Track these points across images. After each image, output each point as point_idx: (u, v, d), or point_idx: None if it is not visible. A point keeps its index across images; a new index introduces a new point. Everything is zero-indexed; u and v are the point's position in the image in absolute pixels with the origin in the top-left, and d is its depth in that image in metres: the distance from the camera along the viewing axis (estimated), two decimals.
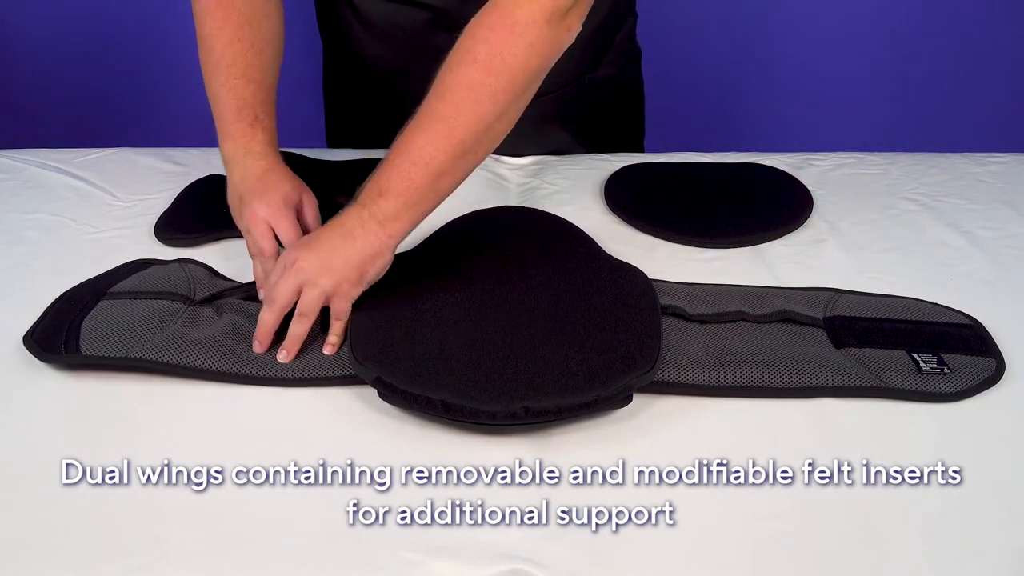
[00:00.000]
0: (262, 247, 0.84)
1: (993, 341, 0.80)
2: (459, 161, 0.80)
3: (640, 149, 1.27)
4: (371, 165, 1.08)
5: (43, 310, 0.81)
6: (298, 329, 0.76)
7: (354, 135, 1.21)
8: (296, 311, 0.77)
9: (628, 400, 0.71)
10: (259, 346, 0.76)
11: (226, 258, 0.92)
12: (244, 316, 0.80)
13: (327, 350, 0.77)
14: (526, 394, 0.69)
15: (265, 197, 0.86)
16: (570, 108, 1.15)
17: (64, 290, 0.84)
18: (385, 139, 1.16)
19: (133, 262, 0.89)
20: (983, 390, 0.74)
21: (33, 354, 0.75)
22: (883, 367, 0.75)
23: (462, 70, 0.79)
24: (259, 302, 0.81)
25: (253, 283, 0.85)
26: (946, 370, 0.75)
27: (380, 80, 1.14)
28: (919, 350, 0.77)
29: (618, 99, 1.22)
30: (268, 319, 0.77)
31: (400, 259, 0.87)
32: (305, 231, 0.87)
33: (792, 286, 0.87)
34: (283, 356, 0.76)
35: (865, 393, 0.74)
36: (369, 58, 1.12)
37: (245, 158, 0.89)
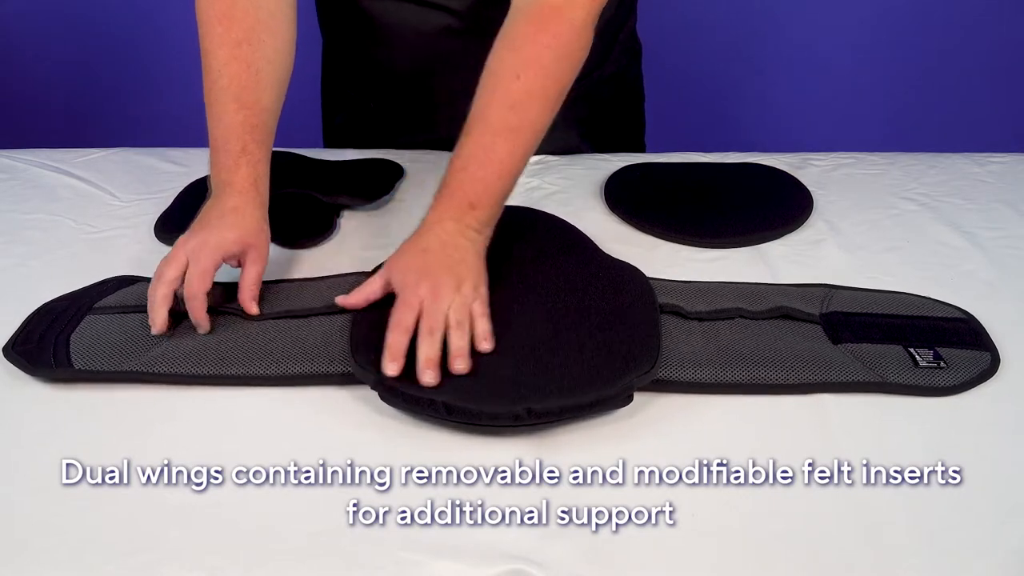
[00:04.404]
0: (163, 272, 0.79)
1: (988, 335, 0.80)
2: (527, 158, 0.84)
3: (641, 147, 1.27)
4: (372, 165, 1.09)
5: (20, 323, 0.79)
6: (462, 341, 0.74)
7: (354, 139, 1.21)
8: (453, 327, 0.74)
9: (629, 399, 0.71)
10: (396, 368, 0.71)
11: None
12: (236, 322, 0.80)
13: (487, 345, 0.75)
14: (528, 395, 0.69)
15: (205, 233, 0.81)
16: (579, 107, 1.15)
17: (63, 291, 0.84)
18: (386, 142, 1.16)
19: (116, 278, 0.87)
20: (979, 383, 0.75)
21: (19, 367, 0.74)
22: (880, 362, 0.76)
23: (532, 80, 0.81)
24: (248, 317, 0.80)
25: (245, 287, 0.83)
26: (942, 364, 0.76)
27: (387, 85, 1.14)
28: (915, 345, 0.78)
29: (621, 97, 1.22)
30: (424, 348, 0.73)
31: None
32: (236, 284, 0.82)
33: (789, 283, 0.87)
34: (430, 378, 0.71)
35: (863, 388, 0.74)
36: (377, 62, 1.12)
37: (222, 190, 0.85)
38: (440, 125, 1.15)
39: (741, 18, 1.97)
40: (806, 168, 1.12)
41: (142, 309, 0.80)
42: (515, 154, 0.82)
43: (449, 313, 0.74)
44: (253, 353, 0.76)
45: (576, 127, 1.16)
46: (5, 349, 0.76)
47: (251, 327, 0.79)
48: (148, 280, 0.86)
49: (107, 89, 2.02)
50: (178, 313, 0.80)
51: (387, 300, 0.80)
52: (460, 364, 0.72)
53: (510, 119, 0.81)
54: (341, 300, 0.80)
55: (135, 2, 1.93)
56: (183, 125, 1.89)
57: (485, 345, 0.75)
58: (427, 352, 0.72)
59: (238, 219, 0.83)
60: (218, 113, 0.87)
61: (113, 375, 0.74)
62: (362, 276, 0.85)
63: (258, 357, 0.76)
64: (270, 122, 0.89)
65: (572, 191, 1.06)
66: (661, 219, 0.99)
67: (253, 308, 0.81)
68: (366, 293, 0.80)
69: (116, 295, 0.84)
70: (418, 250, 0.80)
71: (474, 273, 0.79)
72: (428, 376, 0.71)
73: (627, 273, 0.85)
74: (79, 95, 2.02)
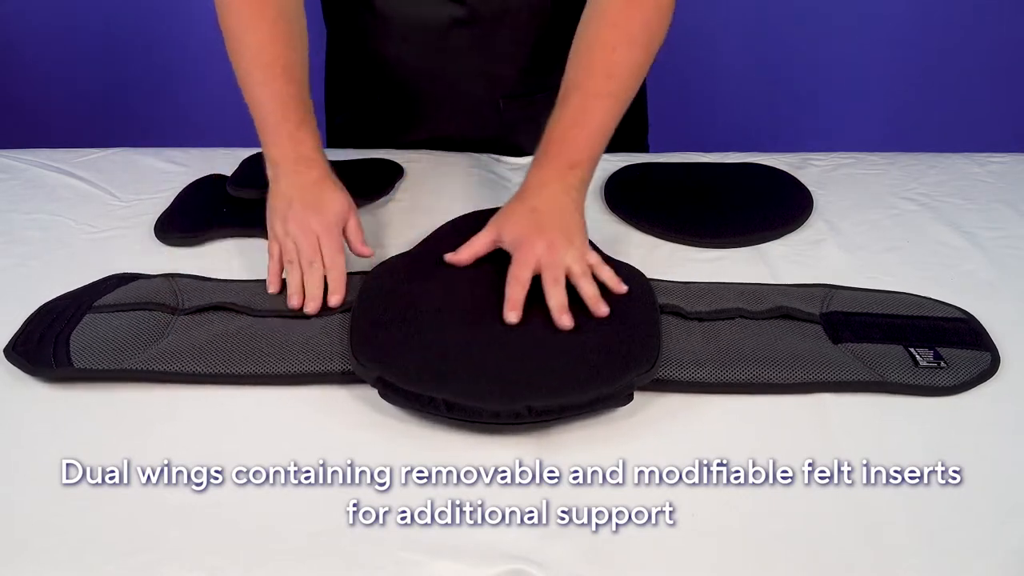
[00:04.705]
0: (308, 255, 0.83)
1: (988, 335, 0.80)
2: (615, 127, 0.89)
3: (644, 147, 1.27)
4: (371, 165, 1.09)
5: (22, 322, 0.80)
6: (591, 287, 0.80)
7: (356, 138, 1.21)
8: (577, 276, 0.80)
9: (629, 398, 0.71)
10: (516, 316, 0.77)
11: (226, 258, 0.92)
12: (237, 319, 0.80)
13: (623, 288, 0.81)
14: (529, 393, 0.69)
15: (320, 211, 0.86)
16: None
17: (63, 291, 0.84)
18: (388, 142, 1.16)
19: (115, 276, 0.87)
20: (979, 383, 0.75)
21: (19, 367, 0.74)
22: (881, 362, 0.76)
23: (630, 52, 0.89)
24: (252, 313, 0.80)
25: (244, 289, 0.84)
26: (942, 364, 0.76)
27: (393, 79, 1.14)
28: (915, 344, 0.78)
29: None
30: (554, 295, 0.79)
31: (400, 260, 0.87)
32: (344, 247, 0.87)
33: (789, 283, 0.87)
34: (567, 321, 0.77)
35: (864, 388, 0.74)
36: (383, 56, 1.12)
37: (296, 164, 0.87)
38: (443, 121, 1.15)
39: (741, 18, 1.97)
40: (806, 168, 1.12)
41: (141, 307, 0.81)
42: (609, 118, 0.88)
43: (571, 265, 0.80)
44: (252, 351, 0.76)
45: None
46: (6, 350, 0.76)
47: (251, 324, 0.79)
48: (147, 277, 0.86)
49: (107, 89, 2.02)
50: (173, 311, 0.80)
51: (387, 296, 0.80)
52: (602, 307, 0.78)
53: (607, 86, 0.88)
54: (450, 257, 0.85)
55: (135, 2, 1.93)
56: (183, 125, 1.90)
57: (621, 287, 0.81)
58: (558, 299, 0.78)
59: (332, 189, 0.88)
60: (267, 90, 0.89)
61: (113, 373, 0.74)
62: (362, 275, 0.85)
63: (258, 355, 0.76)
64: (309, 97, 0.92)
65: None
66: (661, 219, 0.99)
67: (366, 250, 0.87)
68: (474, 249, 0.85)
69: (115, 293, 0.84)
70: (527, 210, 0.84)
71: (582, 228, 0.85)
72: (565, 319, 0.76)
73: (627, 273, 0.85)
74: (80, 95, 2.02)
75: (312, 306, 0.81)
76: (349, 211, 0.88)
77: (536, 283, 0.82)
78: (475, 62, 1.07)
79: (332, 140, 1.26)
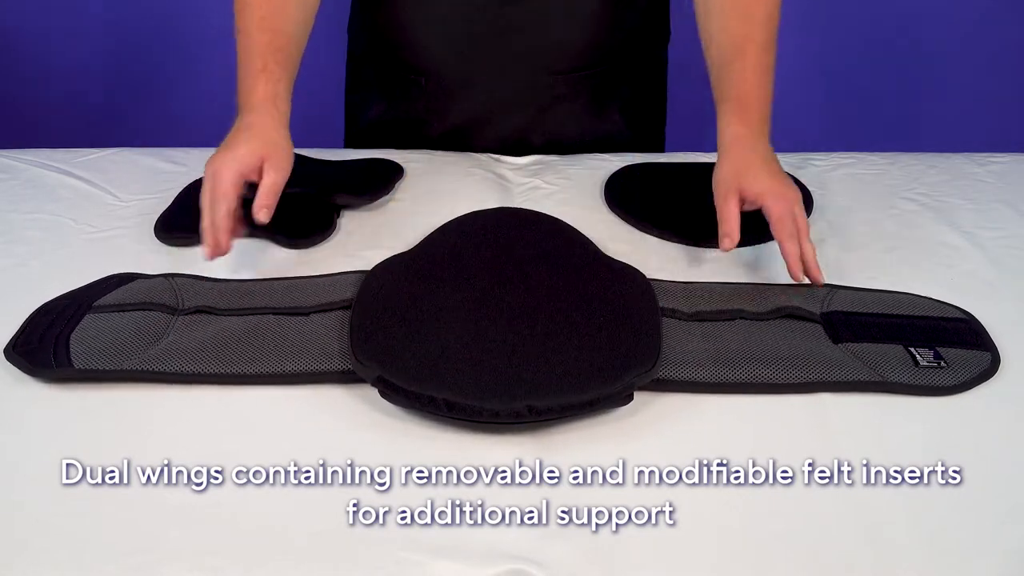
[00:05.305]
0: (201, 203, 0.85)
1: (988, 335, 0.80)
2: (773, 56, 0.96)
3: (662, 136, 1.28)
4: (372, 165, 1.09)
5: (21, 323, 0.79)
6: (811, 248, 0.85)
7: (395, 129, 1.19)
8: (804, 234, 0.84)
9: (630, 398, 0.71)
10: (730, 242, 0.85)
11: (226, 258, 0.92)
12: (236, 318, 0.80)
13: (727, 245, 0.86)
14: (529, 393, 0.69)
15: (222, 152, 0.86)
16: (622, 89, 1.17)
17: (63, 291, 0.84)
18: (430, 127, 1.15)
19: (115, 276, 0.87)
20: (980, 383, 0.75)
21: (20, 368, 0.74)
22: (881, 362, 0.76)
23: (772, 25, 0.96)
24: (251, 312, 0.80)
25: (244, 288, 0.84)
26: (943, 364, 0.76)
27: (439, 63, 1.13)
28: (916, 344, 0.78)
29: (654, 82, 1.25)
30: (795, 250, 0.84)
31: (400, 259, 0.87)
32: (256, 192, 0.86)
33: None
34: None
35: (864, 388, 0.74)
36: (431, 40, 1.12)
37: (241, 111, 0.89)
38: (488, 103, 1.15)
39: None
40: (806, 168, 1.12)
41: (141, 307, 0.81)
42: (774, 62, 0.94)
43: (800, 219, 0.85)
44: (253, 350, 0.76)
45: (618, 110, 1.19)
46: (6, 350, 0.76)
47: (250, 323, 0.79)
48: (147, 277, 0.86)
49: (107, 89, 2.02)
50: (173, 311, 0.80)
51: (387, 296, 0.80)
52: (822, 276, 0.84)
53: (770, 31, 0.95)
54: (727, 244, 0.87)
55: (135, 2, 1.93)
56: (183, 125, 1.90)
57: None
58: (812, 253, 0.84)
59: (253, 133, 0.87)
60: (243, 39, 0.92)
61: (113, 374, 0.74)
62: (362, 274, 0.85)
63: (257, 354, 0.76)
64: (293, 50, 0.94)
65: (572, 191, 1.06)
66: (661, 219, 0.99)
67: (261, 216, 0.85)
68: (733, 220, 0.87)
69: (115, 293, 0.84)
70: (761, 160, 0.88)
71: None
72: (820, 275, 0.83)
73: (627, 273, 0.85)
74: (80, 95, 2.02)
75: (206, 252, 0.83)
76: (263, 157, 0.86)
77: (537, 283, 0.82)
78: (526, 39, 1.07)
79: (370, 134, 1.23)
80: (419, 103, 1.17)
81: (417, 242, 0.91)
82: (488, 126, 1.15)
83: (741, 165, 0.88)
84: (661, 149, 1.28)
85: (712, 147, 0.94)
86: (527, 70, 1.13)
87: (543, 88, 1.14)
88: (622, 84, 1.18)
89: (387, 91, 1.20)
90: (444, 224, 0.93)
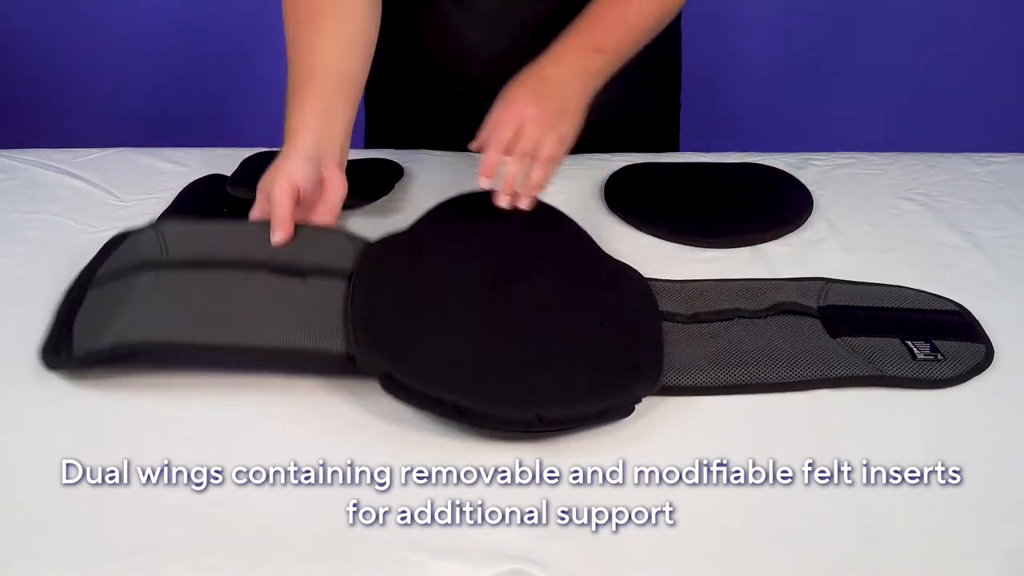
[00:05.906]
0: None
1: (981, 327, 0.81)
2: (648, 36, 0.89)
3: (676, 125, 1.28)
4: (371, 165, 1.09)
5: (50, 313, 0.79)
6: (543, 174, 0.79)
7: (437, 137, 1.17)
8: (540, 159, 0.79)
9: (632, 409, 0.71)
10: (489, 183, 0.79)
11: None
12: (226, 274, 0.78)
13: (525, 203, 0.80)
14: (539, 402, 0.68)
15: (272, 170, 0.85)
16: (647, 69, 1.17)
17: (63, 291, 0.84)
18: (470, 134, 1.15)
19: (110, 240, 0.87)
20: (975, 375, 0.75)
21: (44, 366, 0.74)
22: (879, 355, 0.76)
23: (666, 9, 0.91)
24: (247, 265, 0.79)
25: (233, 233, 0.84)
26: (939, 357, 0.76)
27: (475, 68, 1.11)
28: (912, 337, 0.78)
29: (673, 67, 1.25)
30: (493, 158, 0.78)
31: (401, 240, 0.86)
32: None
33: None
34: (525, 203, 0.79)
35: (863, 382, 0.74)
36: (467, 46, 1.10)
37: (285, 137, 0.88)
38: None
39: (740, 19, 1.97)
40: (806, 168, 1.12)
41: (129, 269, 0.80)
42: (645, 20, 0.88)
43: (543, 145, 0.78)
44: (244, 323, 0.74)
45: (643, 88, 1.18)
46: (44, 354, 0.75)
47: (241, 281, 0.77)
48: (137, 231, 0.86)
49: (107, 89, 2.02)
50: (159, 265, 0.79)
51: (388, 281, 0.79)
52: (525, 200, 0.78)
53: (637, 20, 0.88)
54: (476, 144, 0.82)
55: (135, 2, 1.93)
56: (183, 125, 1.90)
57: (523, 201, 0.81)
58: (515, 174, 0.77)
59: (279, 168, 0.83)
60: (300, 63, 0.89)
61: (112, 353, 0.72)
62: (356, 242, 0.84)
63: (250, 324, 0.73)
64: (341, 70, 0.90)
65: (572, 191, 1.05)
66: (661, 219, 0.99)
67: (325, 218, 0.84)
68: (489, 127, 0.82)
69: (110, 260, 0.84)
70: (536, 76, 0.82)
71: (577, 115, 0.82)
72: (504, 200, 0.77)
73: (627, 275, 0.85)
74: (79, 95, 2.03)
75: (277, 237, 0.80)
76: (285, 186, 0.82)
77: (538, 283, 0.81)
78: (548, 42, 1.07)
79: (394, 140, 1.21)
80: (453, 106, 1.15)
81: (413, 220, 0.90)
82: None
83: (520, 75, 0.83)
84: (676, 128, 1.28)
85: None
86: None
87: None
88: (647, 69, 1.16)
89: (417, 100, 1.18)
90: (441, 204, 0.91)
